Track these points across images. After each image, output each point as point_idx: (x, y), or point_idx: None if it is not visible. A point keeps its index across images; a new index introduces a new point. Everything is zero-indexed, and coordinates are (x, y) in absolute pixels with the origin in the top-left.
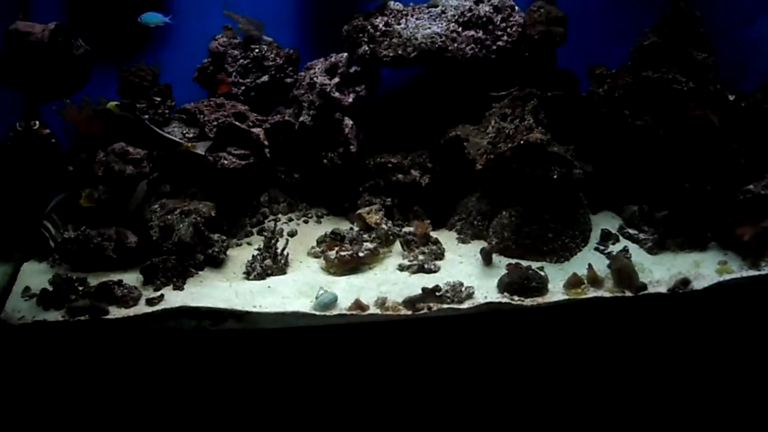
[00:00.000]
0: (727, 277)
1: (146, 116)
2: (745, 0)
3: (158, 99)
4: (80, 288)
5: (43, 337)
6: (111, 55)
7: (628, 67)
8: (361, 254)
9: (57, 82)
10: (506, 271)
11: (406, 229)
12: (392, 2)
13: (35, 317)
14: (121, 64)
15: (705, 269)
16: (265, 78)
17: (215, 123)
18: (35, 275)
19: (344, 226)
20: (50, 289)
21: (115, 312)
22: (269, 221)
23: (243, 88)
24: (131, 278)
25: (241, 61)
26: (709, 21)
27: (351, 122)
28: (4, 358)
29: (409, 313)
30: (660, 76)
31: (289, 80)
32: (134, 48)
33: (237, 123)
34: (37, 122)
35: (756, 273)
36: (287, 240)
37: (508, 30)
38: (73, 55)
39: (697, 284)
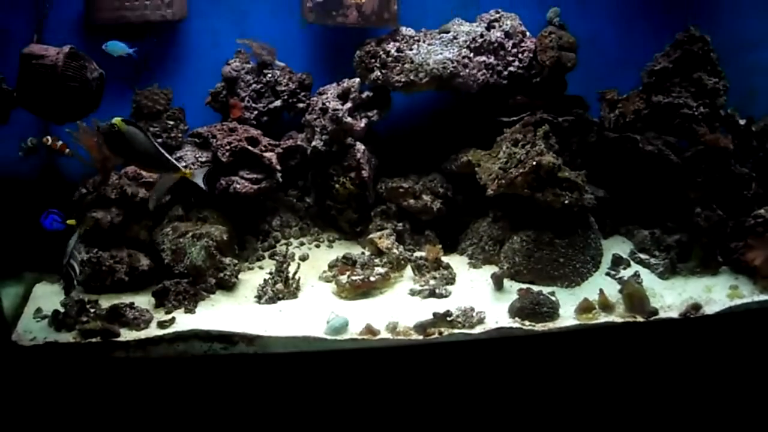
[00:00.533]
0: (739, 301)
1: (159, 140)
2: (755, 24)
3: (171, 122)
4: (92, 310)
5: (55, 358)
6: (125, 78)
7: (639, 91)
8: (372, 279)
9: (71, 104)
10: (517, 296)
11: (418, 254)
12: (404, 28)
13: (47, 338)
14: (134, 87)
15: (716, 294)
16: (278, 103)
17: (228, 147)
18: (47, 296)
19: (356, 250)
20: (62, 310)
21: (127, 334)
22: (281, 245)
23: (256, 112)
24: (143, 300)
25: (254, 85)
26: (720, 45)
27: (363, 147)
28: (16, 378)
29: (421, 337)
30: (671, 101)
31: (301, 105)
32: (148, 71)
33: (249, 147)
34: (49, 138)
35: (767, 298)
36: (299, 264)
37: (520, 56)
38: (87, 78)
39: (709, 309)
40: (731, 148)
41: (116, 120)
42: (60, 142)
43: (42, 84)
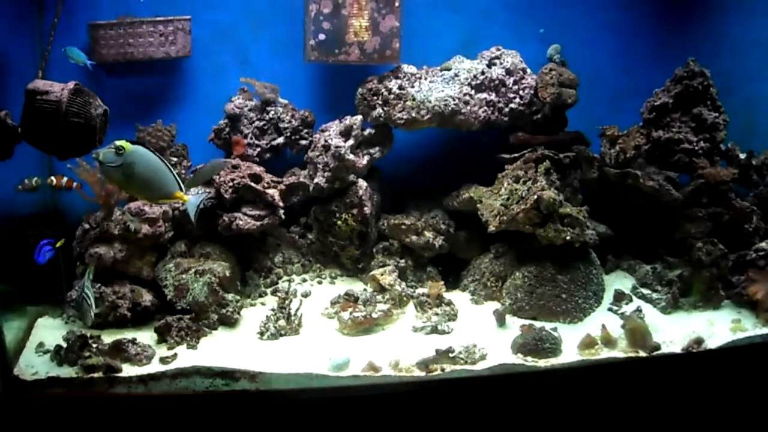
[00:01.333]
0: (741, 335)
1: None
2: (754, 58)
3: (175, 159)
4: (94, 345)
5: (56, 392)
6: (129, 114)
7: (639, 127)
8: (374, 315)
9: (75, 140)
10: (520, 332)
11: (420, 290)
12: (406, 65)
13: (49, 373)
14: (138, 123)
15: (719, 328)
16: (281, 140)
17: (231, 184)
18: (49, 331)
19: (358, 287)
20: (64, 345)
21: (129, 370)
22: (283, 281)
23: (258, 149)
24: (145, 336)
25: (257, 122)
26: (719, 78)
27: (365, 184)
28: (18, 413)
29: (423, 374)
30: (671, 137)
31: (304, 142)
32: (151, 108)
33: (252, 184)
34: (54, 178)
35: None
36: (301, 301)
37: (521, 92)
38: (92, 115)
39: (711, 343)
40: (730, 179)
41: (121, 142)
42: (65, 179)
43: (46, 120)
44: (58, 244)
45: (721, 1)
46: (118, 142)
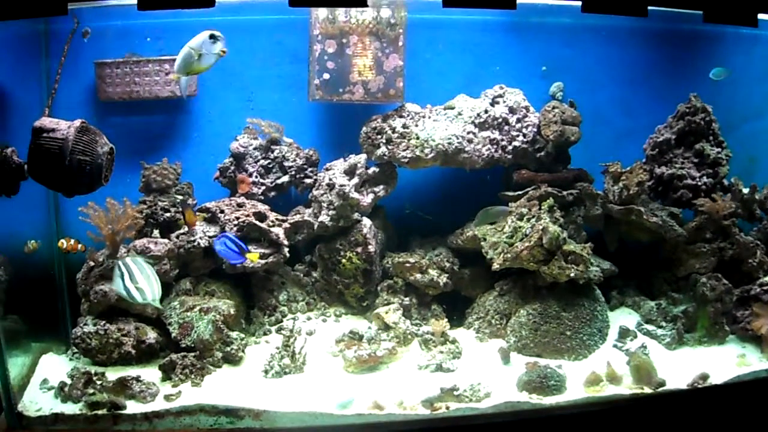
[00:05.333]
0: (747, 370)
1: (168, 214)
2: (756, 93)
3: (180, 197)
4: (99, 382)
5: (60, 429)
6: (134, 152)
7: (642, 163)
8: (379, 354)
9: (81, 178)
10: (525, 370)
11: (425, 328)
12: (409, 104)
13: (53, 409)
14: (144, 161)
15: (724, 363)
16: (286, 178)
17: (236, 222)
18: (54, 367)
19: (362, 324)
20: (69, 381)
21: (133, 407)
22: (288, 319)
23: (263, 187)
24: (150, 373)
25: (262, 161)
26: (721, 116)
27: (369, 222)
28: None
29: (428, 412)
30: (674, 172)
31: (308, 180)
32: (157, 146)
33: (257, 222)
34: (64, 242)
35: None
36: (305, 338)
37: (524, 130)
38: (98, 152)
39: (717, 378)
40: (731, 211)
41: None
42: (72, 241)
43: (52, 157)
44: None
45: (722, 40)
46: None
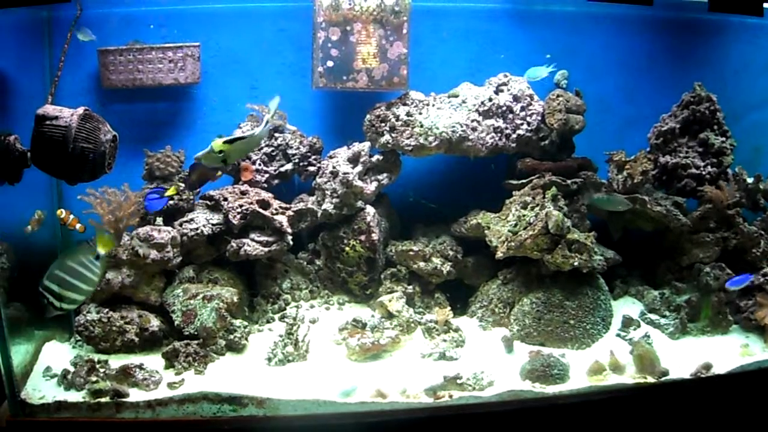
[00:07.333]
0: (750, 359)
1: (171, 202)
2: (761, 83)
3: (183, 185)
4: (102, 370)
5: (63, 417)
6: (138, 139)
7: (647, 152)
8: (382, 342)
9: (84, 166)
10: (528, 359)
11: (428, 317)
12: (414, 92)
13: (56, 397)
14: (147, 149)
15: (727, 353)
16: (289, 166)
17: (239, 210)
18: (57, 355)
19: (366, 313)
20: (72, 369)
21: (136, 395)
22: (291, 307)
23: (267, 175)
24: (153, 361)
25: (266, 149)
26: (725, 106)
27: (373, 210)
28: None
29: (431, 400)
30: (678, 162)
31: (312, 168)
32: (160, 133)
33: (260, 210)
34: (63, 211)
35: None
36: (309, 326)
37: (528, 119)
38: (101, 140)
39: (720, 368)
40: (735, 200)
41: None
42: (72, 218)
43: (55, 145)
44: (169, 192)
45: (727, 29)
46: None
